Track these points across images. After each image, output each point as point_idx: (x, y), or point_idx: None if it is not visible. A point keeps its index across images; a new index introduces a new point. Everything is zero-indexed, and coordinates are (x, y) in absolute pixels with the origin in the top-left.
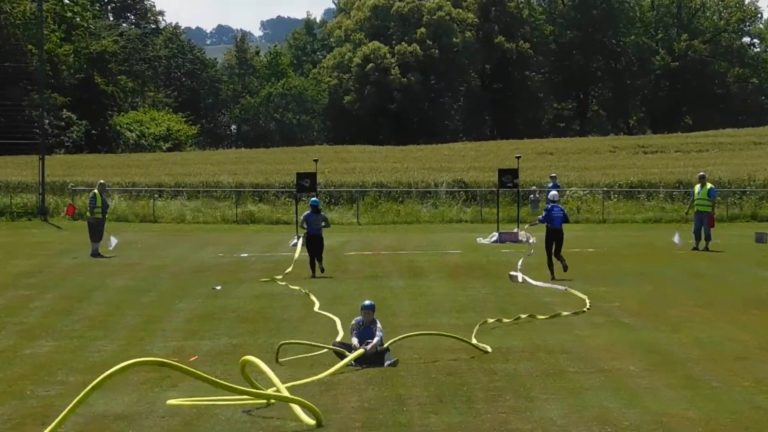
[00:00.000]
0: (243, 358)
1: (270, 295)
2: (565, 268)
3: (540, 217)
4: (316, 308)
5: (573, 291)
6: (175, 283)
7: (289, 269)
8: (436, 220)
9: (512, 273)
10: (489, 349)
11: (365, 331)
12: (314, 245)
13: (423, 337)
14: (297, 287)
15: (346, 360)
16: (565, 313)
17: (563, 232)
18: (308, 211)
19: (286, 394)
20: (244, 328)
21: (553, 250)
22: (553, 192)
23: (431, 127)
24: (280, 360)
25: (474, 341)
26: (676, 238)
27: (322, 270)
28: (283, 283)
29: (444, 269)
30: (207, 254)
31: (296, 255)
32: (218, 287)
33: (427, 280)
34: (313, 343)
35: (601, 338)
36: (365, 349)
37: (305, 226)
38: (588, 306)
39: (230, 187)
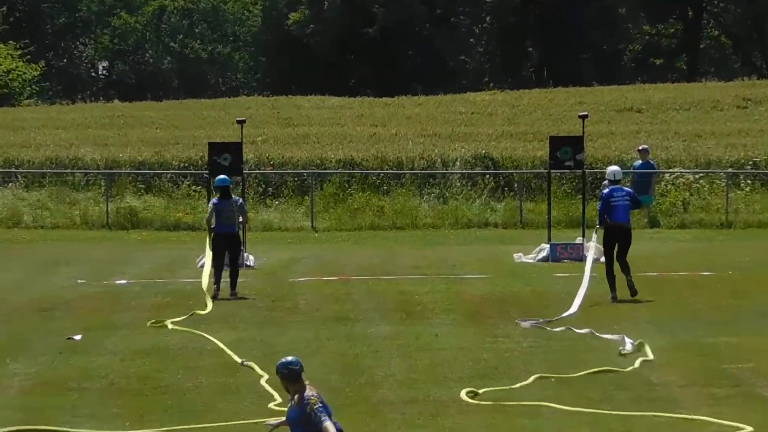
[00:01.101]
0: None
1: (164, 349)
2: (633, 292)
3: (598, 206)
4: (263, 381)
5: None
6: (4, 329)
7: (208, 308)
8: (446, 223)
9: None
10: None
11: (292, 414)
12: (227, 248)
13: None
14: (219, 342)
15: None
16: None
17: (631, 228)
18: (215, 198)
19: None
20: (121, 407)
21: (615, 254)
22: (614, 168)
23: (436, 65)
24: None
25: None
26: None
27: (234, 293)
28: (196, 332)
29: (459, 306)
30: (58, 280)
31: (206, 280)
32: (77, 337)
33: (429, 325)
34: None
35: (727, 417)
36: None
37: (213, 221)
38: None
39: (97, 168)
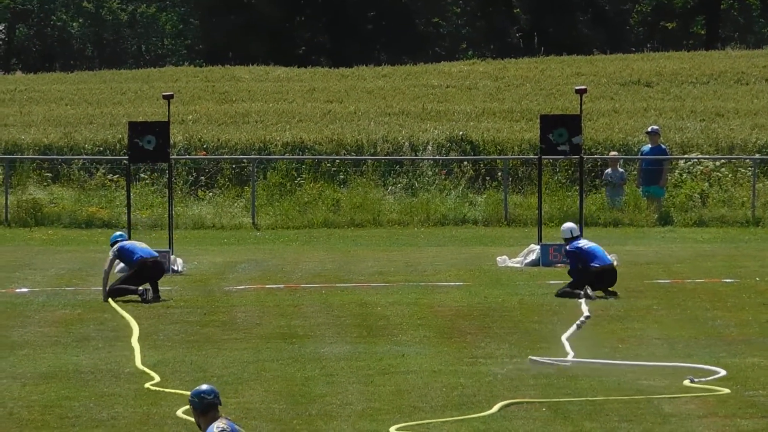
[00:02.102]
0: None
1: (73, 372)
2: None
3: (569, 265)
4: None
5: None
6: None
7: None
8: (415, 219)
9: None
10: None
11: None
12: (154, 272)
13: None
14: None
15: None
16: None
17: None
18: (122, 241)
19: None
20: None
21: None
22: (569, 225)
23: (404, 29)
24: None
25: None
26: None
27: (157, 296)
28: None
29: (431, 321)
30: None
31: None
32: None
33: (395, 344)
34: None
35: None
36: None
37: (129, 257)
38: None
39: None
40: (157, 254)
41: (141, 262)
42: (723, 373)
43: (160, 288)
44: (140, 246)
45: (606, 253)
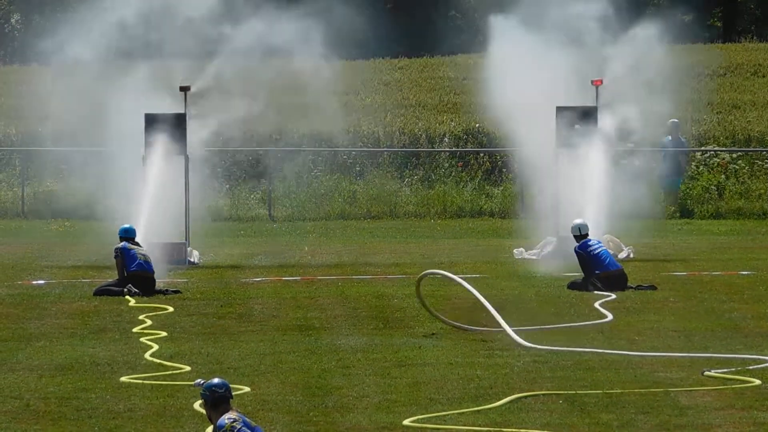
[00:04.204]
0: None
1: (90, 364)
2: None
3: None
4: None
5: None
6: None
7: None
8: (432, 211)
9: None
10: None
11: None
12: (143, 287)
13: None
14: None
15: None
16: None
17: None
18: (127, 239)
19: None
20: None
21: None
22: (579, 222)
23: (423, 22)
24: None
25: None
26: None
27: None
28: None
29: (447, 313)
30: None
31: None
32: None
33: (411, 336)
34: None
35: None
36: None
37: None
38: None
39: (11, 146)
40: (150, 268)
41: (132, 276)
42: None
43: (176, 279)
44: (140, 255)
45: (613, 256)
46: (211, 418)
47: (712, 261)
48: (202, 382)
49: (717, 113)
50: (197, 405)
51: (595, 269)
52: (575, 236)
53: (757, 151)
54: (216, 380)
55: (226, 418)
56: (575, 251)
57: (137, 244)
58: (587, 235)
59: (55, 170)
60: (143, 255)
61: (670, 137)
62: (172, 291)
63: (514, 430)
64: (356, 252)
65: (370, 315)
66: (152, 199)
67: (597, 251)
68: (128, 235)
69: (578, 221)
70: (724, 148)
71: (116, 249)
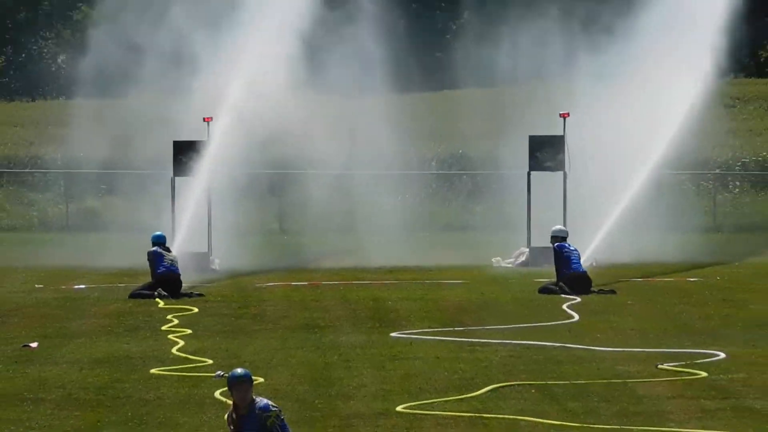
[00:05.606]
0: None
1: (123, 358)
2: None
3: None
4: (217, 394)
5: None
6: None
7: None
8: (417, 224)
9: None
10: None
11: (246, 424)
12: (171, 288)
13: None
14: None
15: None
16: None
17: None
18: (159, 244)
19: None
20: (78, 419)
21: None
22: (559, 226)
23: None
24: None
25: None
26: None
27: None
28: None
29: (435, 314)
30: (12, 286)
31: None
32: (33, 345)
33: (404, 334)
34: None
35: (718, 430)
36: None
37: (155, 266)
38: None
39: (57, 168)
40: (177, 270)
41: (160, 278)
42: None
43: (199, 284)
44: (168, 259)
45: (580, 259)
46: (236, 403)
47: (664, 268)
48: (222, 374)
49: None
50: (218, 394)
51: (564, 269)
52: (554, 236)
53: (703, 175)
54: (239, 370)
55: (272, 405)
56: (553, 247)
57: (168, 249)
58: (565, 239)
59: (95, 190)
60: (171, 260)
61: None
62: (197, 294)
63: (492, 415)
64: (352, 259)
65: (368, 315)
66: (181, 214)
67: (569, 254)
68: (159, 240)
69: (560, 226)
70: (674, 170)
71: (149, 252)
